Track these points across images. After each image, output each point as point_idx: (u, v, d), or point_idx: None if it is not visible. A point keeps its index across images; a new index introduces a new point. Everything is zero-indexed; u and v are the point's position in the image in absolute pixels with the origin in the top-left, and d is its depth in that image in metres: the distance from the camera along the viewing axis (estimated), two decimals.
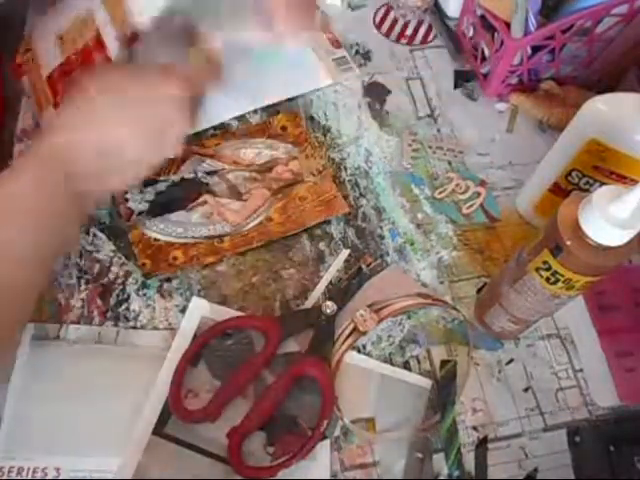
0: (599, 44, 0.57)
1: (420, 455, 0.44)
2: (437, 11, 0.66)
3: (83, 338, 0.46)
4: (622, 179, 0.45)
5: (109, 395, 0.44)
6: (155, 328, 0.47)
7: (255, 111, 0.58)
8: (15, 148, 0.55)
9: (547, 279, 0.39)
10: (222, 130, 0.57)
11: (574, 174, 0.47)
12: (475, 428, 0.46)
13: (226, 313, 0.47)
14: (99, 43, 0.55)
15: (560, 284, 0.38)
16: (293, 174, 0.54)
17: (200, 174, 0.54)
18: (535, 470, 0.45)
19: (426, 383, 0.47)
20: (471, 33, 0.61)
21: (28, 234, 0.41)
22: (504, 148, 0.58)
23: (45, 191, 0.42)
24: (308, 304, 0.49)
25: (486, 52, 0.60)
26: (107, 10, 0.56)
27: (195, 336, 0.46)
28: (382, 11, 0.67)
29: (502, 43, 0.55)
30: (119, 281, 0.49)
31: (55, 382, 0.44)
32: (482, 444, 0.45)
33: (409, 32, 0.65)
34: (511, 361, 0.48)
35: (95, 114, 0.44)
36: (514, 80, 0.59)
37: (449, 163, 0.57)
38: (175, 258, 0.50)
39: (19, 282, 0.40)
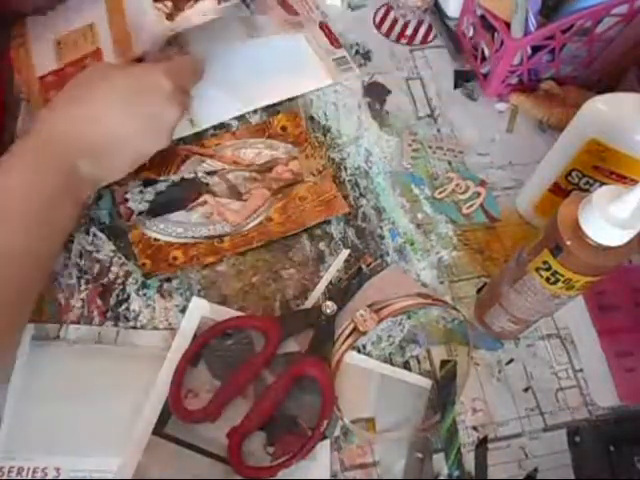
0: (599, 44, 0.57)
1: (420, 455, 0.44)
2: (437, 11, 0.66)
3: (83, 338, 0.46)
4: (622, 179, 0.45)
5: (109, 395, 0.44)
6: (155, 328, 0.47)
7: (255, 111, 0.58)
8: None
9: (547, 279, 0.39)
10: (222, 130, 0.57)
11: (574, 174, 0.47)
12: (475, 428, 0.46)
13: (226, 313, 0.47)
14: (98, 58, 0.56)
15: (560, 284, 0.38)
16: (293, 174, 0.54)
17: (200, 174, 0.54)
18: (535, 470, 0.45)
19: (426, 383, 0.47)
20: (471, 33, 0.61)
21: (18, 233, 0.41)
22: (504, 148, 0.58)
23: (35, 181, 0.42)
24: (308, 304, 0.49)
25: (486, 52, 0.60)
26: (109, 27, 0.57)
27: (195, 336, 0.46)
28: (382, 11, 0.67)
29: (502, 43, 0.55)
30: (119, 281, 0.49)
31: (55, 382, 0.44)
32: (482, 444, 0.45)
33: (409, 32, 0.65)
34: (511, 361, 0.48)
35: (88, 103, 0.46)
36: (514, 80, 0.59)
37: (449, 163, 0.57)
38: (175, 258, 0.50)
39: (15, 279, 0.41)
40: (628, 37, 0.56)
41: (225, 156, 0.55)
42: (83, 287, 0.49)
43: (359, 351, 0.48)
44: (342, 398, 0.45)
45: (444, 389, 0.47)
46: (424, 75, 0.62)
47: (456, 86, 0.62)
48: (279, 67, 0.59)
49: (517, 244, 0.52)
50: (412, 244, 0.53)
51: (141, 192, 0.52)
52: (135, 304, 0.48)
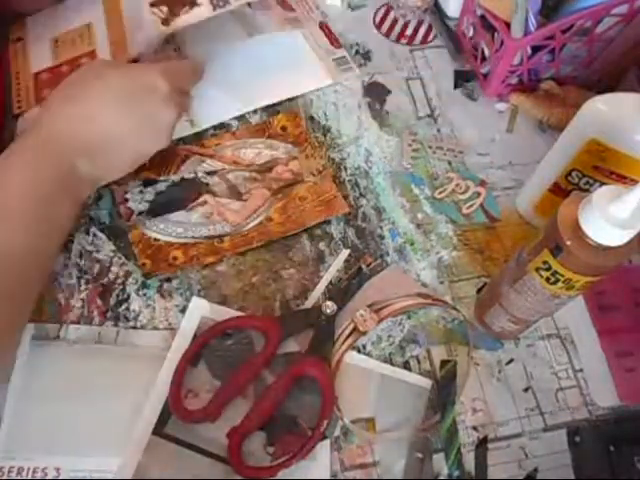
0: (599, 44, 0.57)
1: (420, 455, 0.44)
2: (437, 11, 0.66)
3: (83, 338, 0.46)
4: (622, 179, 0.45)
5: (109, 395, 0.44)
6: (155, 328, 0.47)
7: (255, 111, 0.58)
8: None
9: (547, 279, 0.39)
10: (222, 130, 0.57)
11: (574, 174, 0.47)
12: (475, 428, 0.46)
13: (226, 313, 0.47)
14: (93, 59, 0.56)
15: (560, 284, 0.38)
16: (293, 174, 0.54)
17: (200, 174, 0.54)
18: (535, 470, 0.45)
19: (426, 383, 0.47)
20: (471, 33, 0.61)
21: (18, 230, 0.41)
22: (504, 148, 0.58)
23: (35, 179, 0.42)
24: (308, 304, 0.49)
25: (486, 52, 0.60)
26: (107, 28, 0.57)
27: (195, 336, 0.46)
28: (382, 11, 0.67)
29: (502, 43, 0.55)
30: (119, 281, 0.49)
31: (55, 382, 0.44)
32: (482, 444, 0.45)
33: (409, 32, 0.65)
34: (511, 361, 0.48)
35: (83, 102, 0.45)
36: (514, 80, 0.59)
37: (449, 163, 0.57)
38: (175, 258, 0.50)
39: (15, 277, 0.41)
40: (628, 37, 0.56)
41: (225, 156, 0.55)
42: (83, 287, 0.49)
43: (359, 351, 0.48)
44: (342, 398, 0.45)
45: (444, 389, 0.47)
46: (424, 75, 0.62)
47: (456, 86, 0.62)
48: (279, 67, 0.59)
49: (517, 244, 0.52)
50: (412, 244, 0.53)
51: (141, 192, 0.52)
52: (135, 304, 0.48)
